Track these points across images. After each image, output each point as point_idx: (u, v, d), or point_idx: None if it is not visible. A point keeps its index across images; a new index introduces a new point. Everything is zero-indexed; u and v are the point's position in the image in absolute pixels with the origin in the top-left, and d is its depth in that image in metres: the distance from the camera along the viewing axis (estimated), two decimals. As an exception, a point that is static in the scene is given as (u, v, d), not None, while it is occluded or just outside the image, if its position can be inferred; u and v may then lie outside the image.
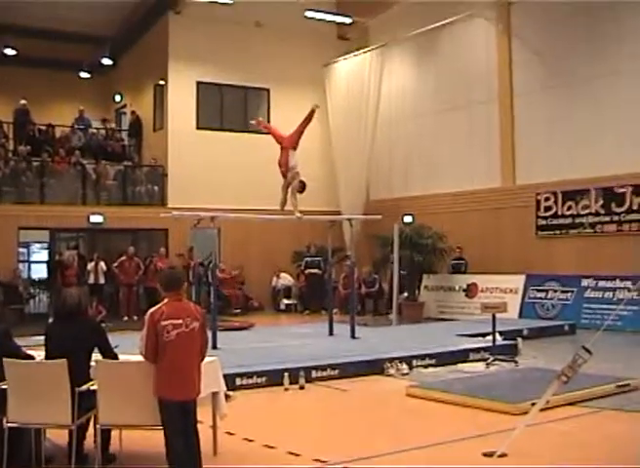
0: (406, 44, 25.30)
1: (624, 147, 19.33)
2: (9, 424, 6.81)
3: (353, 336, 15.70)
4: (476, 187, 23.16)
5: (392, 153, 26.24)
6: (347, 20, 26.09)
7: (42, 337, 7.26)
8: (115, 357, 7.11)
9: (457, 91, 24.01)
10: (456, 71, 24.05)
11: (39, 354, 7.32)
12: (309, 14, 24.69)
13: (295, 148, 14.21)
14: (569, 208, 20.63)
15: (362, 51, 25.81)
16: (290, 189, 14.12)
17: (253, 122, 15.76)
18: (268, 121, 25.62)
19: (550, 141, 21.23)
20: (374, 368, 12.53)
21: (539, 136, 21.53)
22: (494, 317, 13.62)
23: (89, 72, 28.25)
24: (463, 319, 20.61)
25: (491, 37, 22.86)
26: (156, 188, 25.21)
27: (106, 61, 27.68)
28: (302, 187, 14.16)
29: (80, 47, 26.90)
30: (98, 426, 6.83)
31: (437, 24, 23.18)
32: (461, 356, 13.69)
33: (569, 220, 20.62)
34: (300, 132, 14.32)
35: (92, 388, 6.82)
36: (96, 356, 7.06)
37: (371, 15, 25.98)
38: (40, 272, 24.12)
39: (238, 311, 23.80)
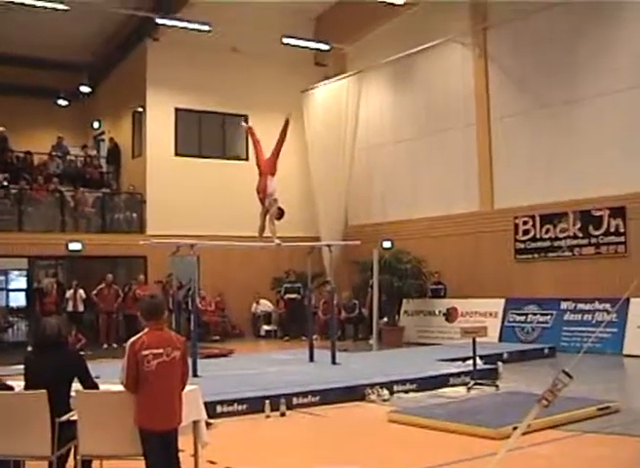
0: (383, 70, 25.46)
1: (601, 170, 19.48)
2: (-12, 456, 6.74)
3: (334, 362, 15.65)
4: (455, 212, 23.25)
5: (371, 179, 26.33)
6: (325, 47, 26.19)
7: (21, 366, 7.18)
8: (95, 387, 7.05)
9: (434, 116, 24.14)
10: (433, 96, 24.20)
11: (18, 384, 7.25)
12: (286, 40, 24.79)
13: (273, 174, 14.22)
14: (547, 231, 20.74)
15: (340, 77, 25.95)
16: (268, 216, 14.13)
17: (244, 124, 15.52)
18: (247, 147, 25.77)
19: (528, 165, 21.36)
20: (355, 394, 12.48)
21: (516, 160, 21.66)
22: (474, 341, 13.63)
23: (67, 99, 28.26)
24: (443, 343, 20.63)
25: (467, 62, 23.04)
26: (135, 215, 25.18)
27: (84, 89, 27.75)
28: (281, 214, 14.18)
29: (58, 74, 26.93)
30: (78, 457, 6.76)
31: (414, 50, 23.35)
32: (442, 381, 13.65)
33: (547, 244, 20.74)
34: (277, 152, 14.33)
35: (72, 418, 6.76)
36: (76, 385, 7.01)
37: (348, 41, 26.13)
38: (18, 300, 24.00)
39: (217, 338, 23.71)
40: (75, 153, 27.04)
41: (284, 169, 14.87)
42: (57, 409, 6.64)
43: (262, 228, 14.29)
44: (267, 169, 14.19)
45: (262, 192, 14.11)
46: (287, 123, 14.59)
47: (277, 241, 14.36)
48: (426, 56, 23.90)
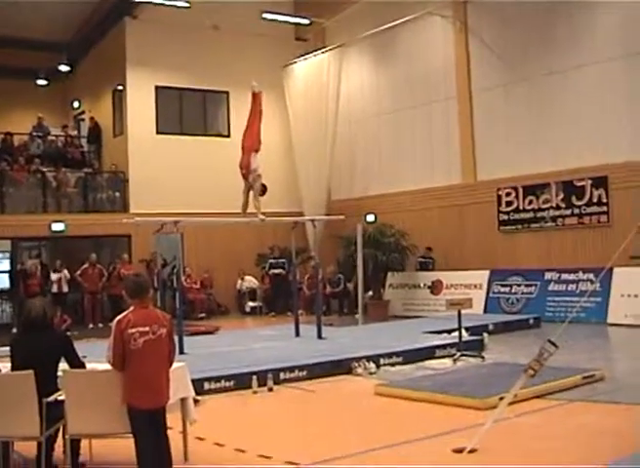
0: (363, 44, 25.36)
1: (583, 141, 19.54)
2: (-24, 438, 6.74)
3: (320, 337, 15.71)
4: (437, 184, 23.27)
5: (353, 153, 26.30)
6: (305, 21, 26.12)
7: (6, 348, 7.18)
8: (82, 366, 7.06)
9: (415, 89, 24.09)
10: (414, 70, 24.15)
11: (4, 365, 7.25)
12: (266, 15, 24.67)
13: (257, 150, 14.20)
14: (530, 202, 20.80)
15: (320, 51, 25.84)
16: (252, 192, 14.13)
17: (254, 84, 15.02)
18: (228, 124, 25.73)
19: (510, 137, 21.39)
20: (341, 367, 12.53)
21: (498, 132, 21.69)
22: (459, 313, 13.69)
23: (46, 79, 28.02)
24: (429, 316, 20.68)
25: (448, 35, 22.98)
26: (117, 194, 25.09)
27: (63, 68, 27.53)
28: (263, 190, 14.21)
29: (36, 54, 26.63)
30: (67, 436, 6.78)
31: (394, 23, 23.25)
32: (428, 353, 13.70)
33: (530, 215, 20.80)
34: (257, 129, 14.30)
35: (59, 398, 6.76)
36: (63, 365, 7.01)
37: (328, 15, 25.99)
38: (2, 282, 23.85)
39: (203, 315, 23.72)
40: (56, 133, 26.84)
41: (266, 144, 14.82)
42: (44, 390, 6.65)
43: (246, 204, 14.30)
44: (251, 145, 14.17)
45: (246, 168, 14.12)
46: (254, 96, 14.54)
47: (262, 216, 14.37)
48: (407, 29, 23.81)
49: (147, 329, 6.45)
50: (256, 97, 14.61)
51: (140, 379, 6.40)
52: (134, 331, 6.40)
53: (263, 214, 14.43)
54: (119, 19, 25.00)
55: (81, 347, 7.44)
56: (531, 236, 20.88)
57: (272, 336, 16.57)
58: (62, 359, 7.03)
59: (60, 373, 6.94)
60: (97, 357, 7.35)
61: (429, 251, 22.92)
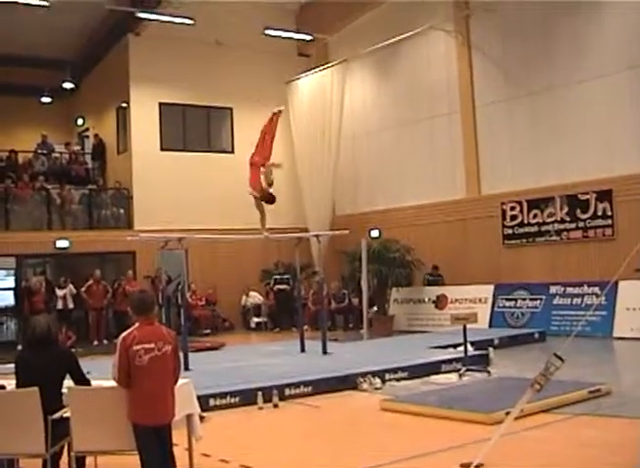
0: (366, 59, 25.42)
1: (586, 154, 19.57)
2: (-18, 455, 6.73)
3: (325, 352, 15.66)
4: (442, 199, 23.27)
5: (357, 168, 26.34)
6: (307, 37, 26.19)
7: (11, 366, 7.16)
8: (87, 383, 7.04)
9: (419, 104, 24.13)
10: (417, 84, 24.20)
11: (9, 383, 7.24)
12: (269, 32, 24.75)
13: (263, 165, 14.05)
14: (534, 216, 20.79)
15: (323, 67, 25.89)
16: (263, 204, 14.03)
17: (281, 108, 15.04)
18: (232, 140, 25.77)
19: (514, 151, 21.42)
20: (347, 383, 12.50)
21: (502, 146, 21.72)
22: (464, 328, 13.66)
23: (50, 97, 28.12)
24: (434, 331, 20.65)
25: (451, 50, 23.04)
26: (122, 211, 25.12)
27: (67, 85, 27.60)
28: (272, 200, 14.01)
29: (40, 71, 26.77)
30: (72, 454, 6.76)
31: (396, 39, 23.30)
32: (434, 368, 13.67)
33: (535, 229, 20.79)
34: (270, 145, 14.26)
35: (65, 415, 6.75)
36: (68, 382, 7.00)
37: (331, 31, 26.09)
38: (7, 299, 23.85)
39: (208, 331, 23.69)
40: (60, 150, 26.89)
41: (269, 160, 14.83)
42: (49, 407, 6.63)
43: (264, 218, 14.18)
44: (261, 160, 14.06)
45: (255, 187, 13.92)
46: (275, 116, 14.59)
47: (265, 233, 14.35)
48: (409, 44, 23.89)
49: (153, 345, 6.44)
50: (275, 118, 14.63)
51: (145, 396, 6.38)
52: (139, 347, 6.39)
53: (268, 230, 14.43)
54: (122, 37, 25.11)
55: (86, 364, 7.43)
56: (535, 250, 20.85)
57: (277, 352, 16.55)
58: (68, 376, 7.03)
59: (65, 390, 6.93)
60: (101, 374, 7.33)
61: (436, 269, 22.88)
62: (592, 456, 7.69)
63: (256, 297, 25.74)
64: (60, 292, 21.84)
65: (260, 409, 11.10)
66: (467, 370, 13.28)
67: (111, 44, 25.86)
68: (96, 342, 21.86)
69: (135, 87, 24.95)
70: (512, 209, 21.33)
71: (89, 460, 7.10)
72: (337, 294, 23.81)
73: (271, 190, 14.01)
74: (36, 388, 6.58)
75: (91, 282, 22.34)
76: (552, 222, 20.38)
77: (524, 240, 21.09)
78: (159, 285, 20.36)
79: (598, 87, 19.41)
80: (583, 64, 19.75)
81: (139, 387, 6.39)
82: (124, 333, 6.53)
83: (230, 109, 26.34)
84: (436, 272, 22.90)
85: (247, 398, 11.30)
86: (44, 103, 28.18)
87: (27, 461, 7.13)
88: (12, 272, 24.03)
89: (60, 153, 26.83)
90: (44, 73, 27.00)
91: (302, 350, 16.17)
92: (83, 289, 22.20)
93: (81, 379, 7.02)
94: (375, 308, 22.40)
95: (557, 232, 20.29)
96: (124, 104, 25.47)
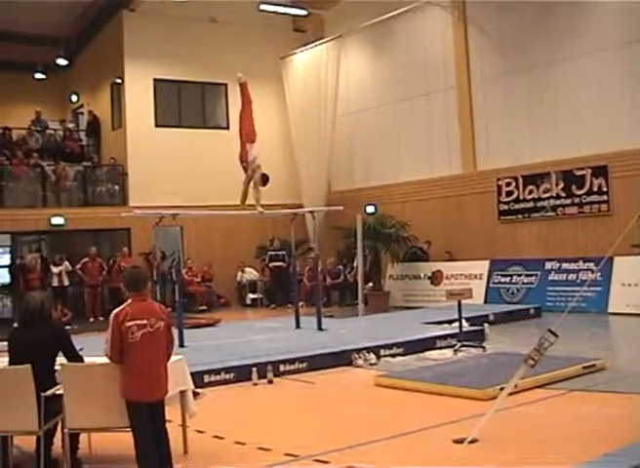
0: (362, 34, 25.28)
1: (582, 130, 19.52)
2: (-25, 433, 6.72)
3: (320, 329, 15.70)
4: (437, 175, 23.25)
5: (352, 144, 26.26)
6: (303, 13, 26.05)
7: (5, 343, 7.16)
8: (80, 360, 7.03)
9: (414, 79, 24.03)
10: (413, 60, 24.08)
11: (3, 360, 7.23)
12: (264, 7, 24.60)
13: (253, 141, 14.13)
14: (530, 192, 20.77)
15: (319, 43, 25.76)
16: (252, 183, 14.07)
17: (240, 75, 14.99)
18: (227, 116, 25.67)
19: (509, 127, 21.37)
20: (342, 359, 12.51)
21: (498, 122, 21.66)
22: (459, 303, 13.66)
23: (44, 73, 27.92)
24: (429, 307, 20.67)
25: (447, 25, 22.92)
26: (117, 188, 25.05)
27: (61, 62, 27.43)
28: (265, 180, 14.12)
29: (34, 48, 26.51)
30: (65, 431, 6.76)
31: (392, 14, 23.15)
32: (429, 344, 13.68)
33: (530, 204, 20.77)
34: (250, 120, 14.24)
35: (58, 392, 6.73)
36: (60, 359, 6.99)
37: (326, 6, 25.96)
38: (2, 277, 23.87)
39: (204, 308, 23.68)
40: (54, 127, 26.78)
41: (265, 136, 14.80)
42: (42, 384, 6.63)
43: (245, 196, 14.25)
44: (246, 136, 14.13)
45: (245, 160, 14.06)
46: (241, 87, 14.52)
47: (260, 209, 14.33)
48: (405, 19, 23.75)
49: (145, 322, 6.43)
50: (242, 88, 14.58)
51: (138, 372, 6.37)
52: (131, 323, 6.38)
53: (262, 206, 14.41)
54: (116, 12, 24.94)
55: (81, 341, 7.42)
56: (531, 226, 20.85)
57: (272, 328, 16.56)
58: (61, 353, 7.01)
59: (57, 367, 6.92)
60: (95, 351, 7.30)
61: (429, 244, 22.84)
62: (588, 431, 7.69)
63: (251, 274, 25.72)
64: (55, 270, 21.79)
65: (255, 385, 11.11)
66: (462, 345, 13.28)
67: (105, 20, 25.67)
68: (91, 319, 21.83)
69: (129, 63, 24.81)
70: (508, 184, 21.29)
71: (82, 437, 7.10)
72: (332, 270, 23.80)
73: (264, 171, 14.05)
74: (29, 365, 6.57)
75: (86, 259, 22.30)
76: (548, 198, 20.36)
77: (520, 216, 21.07)
78: (153, 261, 20.34)
79: (594, 63, 19.34)
80: (580, 40, 19.65)
81: (131, 363, 6.38)
82: (116, 310, 6.52)
83: (225, 85, 26.17)
84: (425, 247, 22.83)
85: (242, 374, 11.29)
86: (38, 80, 27.98)
87: (21, 438, 7.14)
88: (7, 249, 24.04)
89: (55, 130, 26.70)
90: (38, 49, 26.77)
91: (298, 326, 16.18)
92: (78, 266, 22.15)
93: (73, 356, 7.01)
94: (370, 284, 22.38)
95: (553, 208, 20.27)
96: (118, 81, 25.33)
